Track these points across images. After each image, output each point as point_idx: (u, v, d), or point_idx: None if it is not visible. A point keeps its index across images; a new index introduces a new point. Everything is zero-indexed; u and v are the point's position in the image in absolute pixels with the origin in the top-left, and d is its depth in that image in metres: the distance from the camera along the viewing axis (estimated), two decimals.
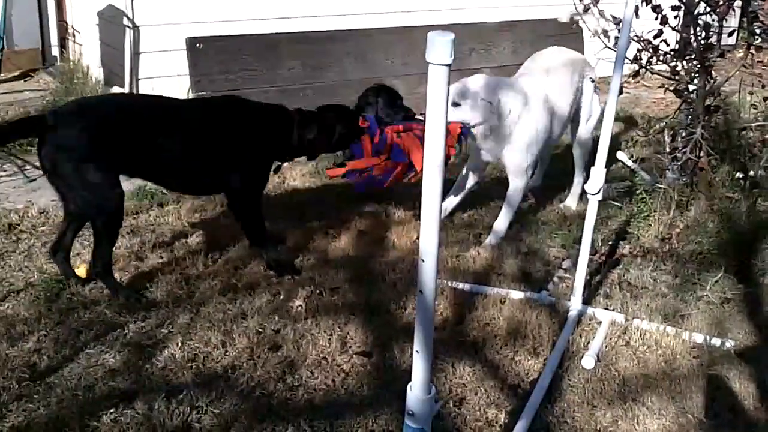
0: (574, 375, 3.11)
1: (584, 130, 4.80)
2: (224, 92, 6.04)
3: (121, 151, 3.44)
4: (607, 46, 4.44)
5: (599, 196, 3.43)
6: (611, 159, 5.08)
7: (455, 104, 4.11)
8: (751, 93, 4.17)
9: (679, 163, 4.33)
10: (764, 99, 4.07)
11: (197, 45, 6.01)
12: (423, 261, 1.79)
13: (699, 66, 3.97)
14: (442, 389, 2.97)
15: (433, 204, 1.72)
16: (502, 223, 4.32)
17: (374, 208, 4.72)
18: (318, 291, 3.66)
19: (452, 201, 4.56)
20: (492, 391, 2.98)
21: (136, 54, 6.06)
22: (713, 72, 4.11)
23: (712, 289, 3.75)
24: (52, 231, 4.13)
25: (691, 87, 4.35)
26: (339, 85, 6.61)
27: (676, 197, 4.28)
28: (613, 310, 3.61)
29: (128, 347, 3.18)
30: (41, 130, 3.34)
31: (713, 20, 4.01)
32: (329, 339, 3.27)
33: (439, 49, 1.56)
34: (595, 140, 4.61)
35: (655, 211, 4.35)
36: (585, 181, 4.81)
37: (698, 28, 3.91)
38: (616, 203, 4.73)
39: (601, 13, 4.45)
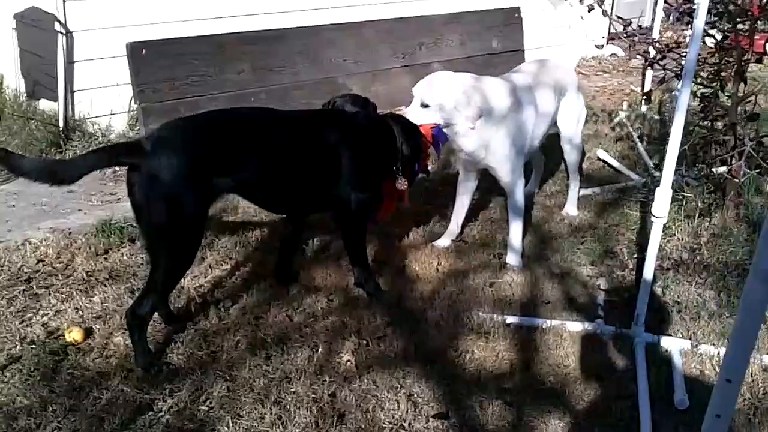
0: (671, 419, 2.86)
1: (574, 133, 4.48)
2: (170, 101, 5.50)
3: (228, 173, 3.05)
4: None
5: (664, 220, 3.18)
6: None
7: (424, 105, 3.70)
8: None
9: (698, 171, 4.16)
10: None
11: (140, 50, 5.37)
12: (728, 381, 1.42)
13: (734, 71, 3.79)
14: None
15: (752, 320, 1.36)
16: (515, 238, 4.02)
17: (377, 232, 4.32)
18: (363, 341, 3.25)
19: (458, 222, 4.23)
20: None
21: (70, 63, 5.34)
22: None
23: None
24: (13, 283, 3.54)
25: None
26: (292, 87, 6.15)
27: (700, 205, 4.12)
28: (672, 335, 3.40)
29: None
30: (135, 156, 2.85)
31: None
32: (396, 401, 2.88)
33: None
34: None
35: (678, 220, 4.17)
36: (580, 184, 4.73)
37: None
38: (631, 210, 4.54)
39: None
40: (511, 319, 3.45)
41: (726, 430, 1.43)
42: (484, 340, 3.29)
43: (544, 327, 3.40)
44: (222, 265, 3.91)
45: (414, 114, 3.72)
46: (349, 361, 3.13)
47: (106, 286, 3.66)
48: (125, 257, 3.97)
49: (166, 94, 5.54)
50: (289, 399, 2.87)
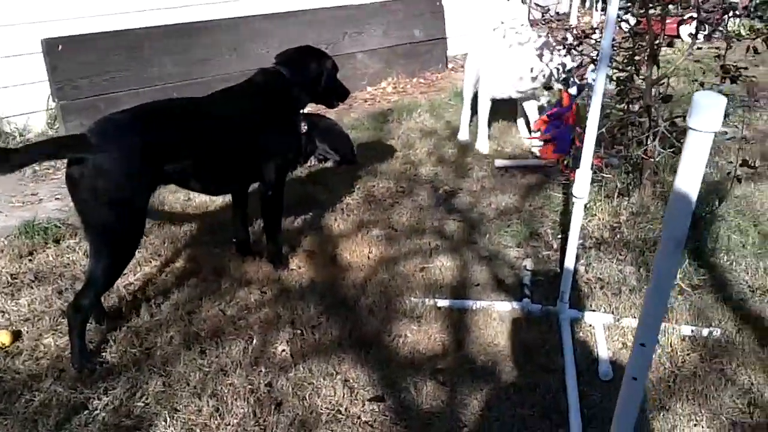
0: (597, 390, 2.98)
1: None
2: (90, 98, 5.40)
3: (172, 162, 3.17)
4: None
5: (585, 200, 3.30)
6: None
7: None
8: (701, 83, 4.19)
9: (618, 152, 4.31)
10: (701, 85, 4.10)
11: (56, 46, 5.25)
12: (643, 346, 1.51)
13: (647, 55, 3.94)
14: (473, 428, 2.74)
15: (663, 286, 1.45)
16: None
17: (306, 220, 4.35)
18: (298, 331, 3.28)
19: None
20: (531, 423, 2.78)
21: None
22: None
23: (681, 277, 3.77)
24: None
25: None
26: (218, 80, 6.07)
27: (619, 185, 4.27)
28: (595, 310, 3.53)
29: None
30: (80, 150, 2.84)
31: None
32: (333, 387, 2.93)
33: (710, 114, 1.26)
34: None
35: (598, 201, 4.32)
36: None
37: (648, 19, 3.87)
38: (554, 192, 4.67)
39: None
40: (442, 303, 3.53)
41: (642, 391, 1.52)
42: (417, 323, 3.36)
43: (474, 308, 3.49)
44: (152, 261, 3.88)
45: None
46: (284, 351, 3.15)
47: (32, 288, 3.60)
48: (51, 258, 3.90)
49: (85, 91, 5.44)
50: (226, 391, 2.88)
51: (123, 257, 3.09)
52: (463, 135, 5.83)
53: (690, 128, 1.28)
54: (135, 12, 5.73)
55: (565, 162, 4.58)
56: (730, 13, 3.95)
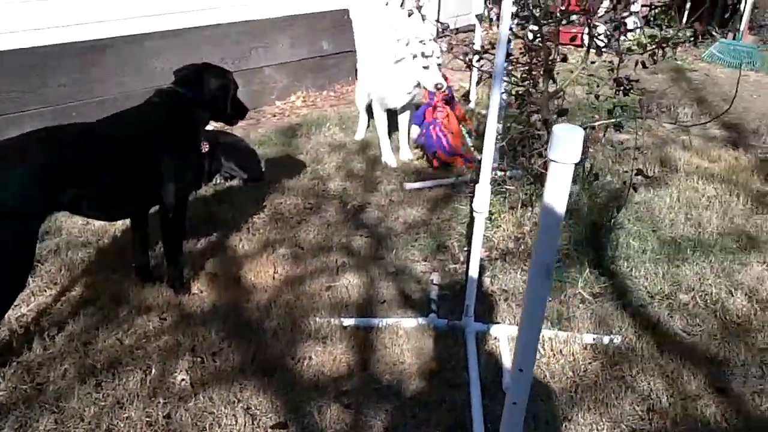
0: (501, 404, 2.98)
1: None
2: None
3: (67, 187, 3.05)
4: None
5: (485, 215, 3.33)
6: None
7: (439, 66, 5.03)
8: (596, 96, 4.31)
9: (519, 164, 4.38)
10: (596, 98, 4.21)
11: None
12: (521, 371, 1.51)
13: (543, 70, 4.02)
14: None
15: (536, 311, 1.45)
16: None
17: (210, 241, 4.26)
18: (198, 358, 3.20)
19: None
20: None
21: None
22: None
23: (582, 286, 3.84)
24: None
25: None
26: (118, 98, 5.93)
27: (522, 196, 4.34)
28: (500, 322, 3.57)
29: None
30: None
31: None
32: (234, 415, 2.87)
33: (569, 146, 1.27)
34: None
35: (503, 212, 4.38)
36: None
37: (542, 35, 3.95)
38: (461, 205, 4.71)
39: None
40: (348, 322, 3.50)
41: (523, 416, 1.53)
42: (322, 345, 3.32)
43: (380, 326, 3.47)
44: (46, 291, 3.73)
45: (440, 76, 5.08)
46: (183, 380, 3.07)
47: None
48: None
49: None
50: (122, 425, 2.79)
51: (13, 289, 2.97)
52: (359, 135, 6.18)
53: (551, 160, 1.29)
54: (31, 30, 5.52)
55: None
56: (621, 29, 4.04)
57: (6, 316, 3.35)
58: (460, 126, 5.53)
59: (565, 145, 1.28)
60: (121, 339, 3.33)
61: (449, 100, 5.47)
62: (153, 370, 3.11)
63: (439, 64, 5.08)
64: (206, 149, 3.86)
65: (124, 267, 3.90)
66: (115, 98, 5.90)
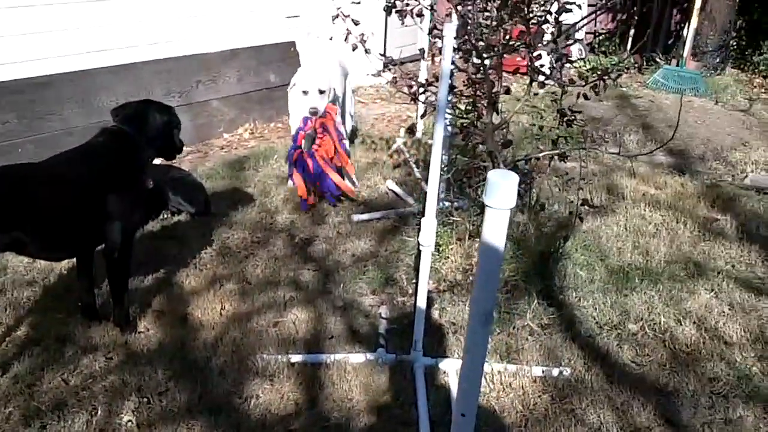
0: None
1: (351, 110, 6.26)
2: None
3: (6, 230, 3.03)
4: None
5: (432, 248, 3.34)
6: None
7: (321, 91, 5.13)
8: (540, 127, 4.38)
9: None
10: (540, 128, 4.28)
11: None
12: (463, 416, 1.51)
13: (487, 102, 4.07)
14: None
15: (477, 356, 1.46)
16: None
17: (157, 277, 4.20)
18: (145, 398, 3.15)
19: None
20: None
21: None
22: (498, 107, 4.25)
23: (531, 317, 3.87)
24: None
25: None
26: (62, 134, 5.85)
27: (469, 227, 4.37)
28: (449, 356, 3.57)
29: None
30: None
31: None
32: None
33: (505, 192, 1.29)
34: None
35: (450, 244, 4.40)
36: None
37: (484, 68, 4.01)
38: (409, 237, 4.73)
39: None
40: (295, 358, 3.48)
41: None
42: (270, 382, 3.29)
43: (328, 362, 3.45)
44: None
45: (318, 101, 5.11)
46: (129, 421, 3.02)
47: None
48: None
49: None
50: None
51: None
52: None
53: (487, 206, 1.31)
54: None
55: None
56: (563, 60, 4.13)
57: None
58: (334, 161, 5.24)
59: (501, 190, 1.30)
60: (66, 379, 3.27)
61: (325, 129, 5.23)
62: (99, 411, 3.06)
63: (339, 97, 5.45)
64: (151, 185, 3.82)
65: (70, 306, 3.82)
66: (58, 135, 5.82)
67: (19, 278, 4.15)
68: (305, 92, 5.17)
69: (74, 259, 3.76)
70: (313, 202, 5.27)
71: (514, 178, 1.31)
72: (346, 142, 5.46)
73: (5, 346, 3.53)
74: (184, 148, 4.16)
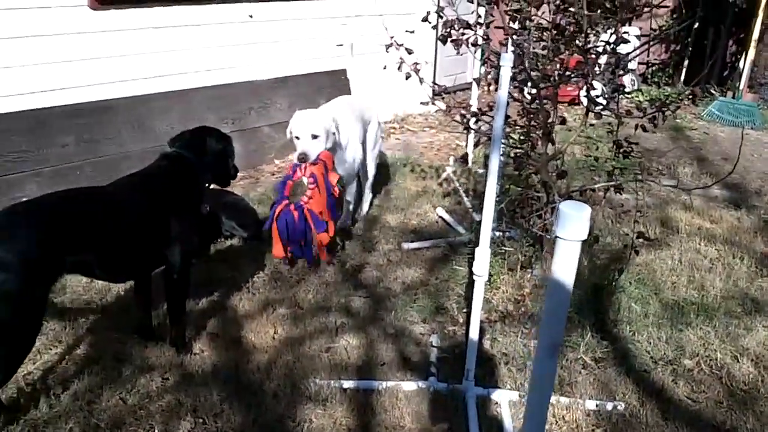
0: None
1: (369, 157, 5.67)
2: None
3: (72, 253, 3.09)
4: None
5: (485, 278, 3.34)
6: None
7: (315, 136, 4.59)
8: (596, 158, 4.36)
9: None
10: (596, 159, 4.27)
11: None
12: None
13: (542, 132, 4.08)
14: None
15: (544, 388, 1.46)
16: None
17: (211, 300, 4.27)
18: (200, 419, 3.19)
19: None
20: None
21: None
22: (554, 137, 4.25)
23: (584, 350, 3.83)
24: None
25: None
26: (119, 158, 6.00)
27: (521, 258, 4.35)
28: (501, 387, 3.55)
29: None
30: None
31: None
32: None
33: (577, 224, 1.30)
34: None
35: (502, 274, 4.39)
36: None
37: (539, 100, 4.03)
38: (459, 266, 4.73)
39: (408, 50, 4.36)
40: (347, 384, 3.49)
41: None
42: (322, 407, 3.31)
43: (380, 389, 3.46)
44: (51, 349, 3.73)
45: (309, 146, 4.58)
46: None
47: None
48: None
49: None
50: None
51: (21, 351, 3.00)
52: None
53: (558, 238, 1.31)
54: (35, 93, 5.61)
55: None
56: (620, 91, 4.12)
57: None
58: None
59: (573, 222, 1.31)
60: (124, 398, 3.33)
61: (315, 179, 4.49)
62: (156, 430, 3.10)
63: (343, 145, 5.01)
64: (206, 211, 3.91)
65: (127, 326, 3.90)
66: (115, 158, 5.97)
67: (77, 298, 4.25)
68: (297, 137, 4.67)
69: (131, 281, 3.85)
70: (293, 262, 4.69)
71: (587, 210, 1.32)
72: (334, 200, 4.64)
73: (65, 364, 3.62)
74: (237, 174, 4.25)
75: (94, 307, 4.16)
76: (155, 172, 3.67)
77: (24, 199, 4.23)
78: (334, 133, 4.77)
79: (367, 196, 5.89)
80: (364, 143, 5.51)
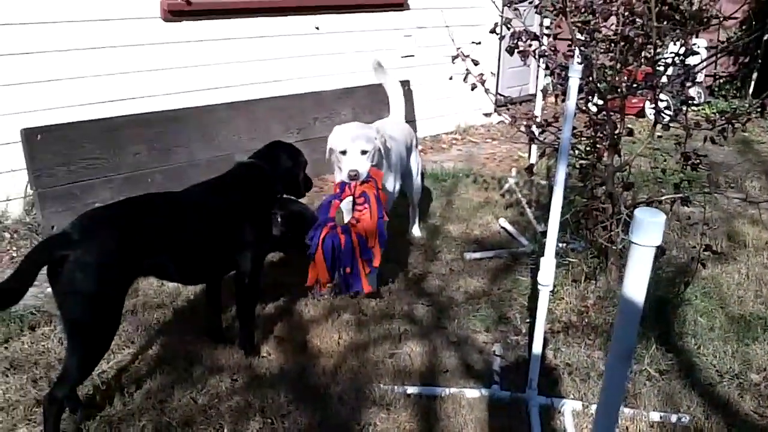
0: None
1: (417, 180, 5.37)
2: (66, 185, 5.46)
3: (151, 255, 3.24)
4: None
5: (550, 288, 3.36)
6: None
7: (364, 152, 4.17)
8: (663, 171, 4.32)
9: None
10: (662, 171, 4.24)
11: (35, 136, 5.33)
12: None
13: (608, 144, 4.08)
14: None
15: (615, 393, 1.49)
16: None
17: (277, 305, 4.37)
18: (268, 420, 3.27)
19: None
20: None
21: None
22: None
23: (648, 362, 3.81)
24: None
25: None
26: (187, 166, 6.19)
27: (585, 269, 4.35)
28: (564, 397, 3.56)
29: None
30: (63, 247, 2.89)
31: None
32: None
33: (651, 230, 1.33)
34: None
35: (566, 285, 4.39)
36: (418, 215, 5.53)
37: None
38: (522, 276, 4.74)
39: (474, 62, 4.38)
40: (411, 390, 3.54)
41: None
42: (386, 412, 3.36)
43: (443, 395, 3.50)
44: (125, 349, 3.87)
45: (360, 162, 4.13)
46: None
47: (7, 376, 3.59)
48: (26, 346, 3.88)
49: (61, 179, 5.50)
50: None
51: (99, 350, 3.12)
52: None
53: (633, 243, 1.35)
54: (108, 102, 5.85)
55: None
56: (688, 103, 4.09)
57: None
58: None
59: (647, 228, 1.34)
60: (195, 398, 3.44)
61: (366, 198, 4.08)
62: (225, 430, 3.20)
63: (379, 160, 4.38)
64: (279, 219, 4.01)
65: (197, 328, 4.02)
66: (184, 167, 6.16)
67: (149, 301, 4.39)
68: (343, 152, 4.21)
69: (202, 284, 3.98)
70: (325, 289, 4.42)
71: (661, 217, 1.35)
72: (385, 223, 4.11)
73: (138, 364, 3.75)
74: None
75: (165, 310, 4.30)
76: (229, 178, 3.80)
77: (97, 205, 4.41)
78: (379, 149, 4.31)
79: (415, 219, 5.59)
80: (406, 170, 5.14)
